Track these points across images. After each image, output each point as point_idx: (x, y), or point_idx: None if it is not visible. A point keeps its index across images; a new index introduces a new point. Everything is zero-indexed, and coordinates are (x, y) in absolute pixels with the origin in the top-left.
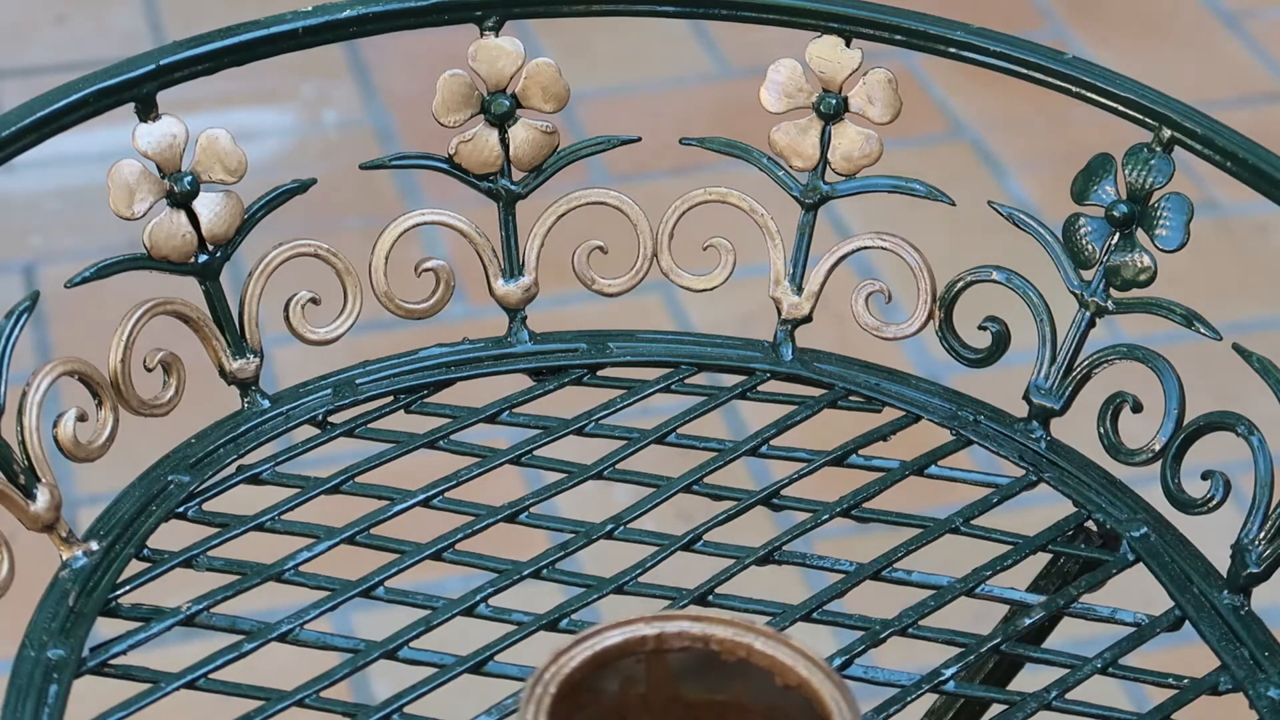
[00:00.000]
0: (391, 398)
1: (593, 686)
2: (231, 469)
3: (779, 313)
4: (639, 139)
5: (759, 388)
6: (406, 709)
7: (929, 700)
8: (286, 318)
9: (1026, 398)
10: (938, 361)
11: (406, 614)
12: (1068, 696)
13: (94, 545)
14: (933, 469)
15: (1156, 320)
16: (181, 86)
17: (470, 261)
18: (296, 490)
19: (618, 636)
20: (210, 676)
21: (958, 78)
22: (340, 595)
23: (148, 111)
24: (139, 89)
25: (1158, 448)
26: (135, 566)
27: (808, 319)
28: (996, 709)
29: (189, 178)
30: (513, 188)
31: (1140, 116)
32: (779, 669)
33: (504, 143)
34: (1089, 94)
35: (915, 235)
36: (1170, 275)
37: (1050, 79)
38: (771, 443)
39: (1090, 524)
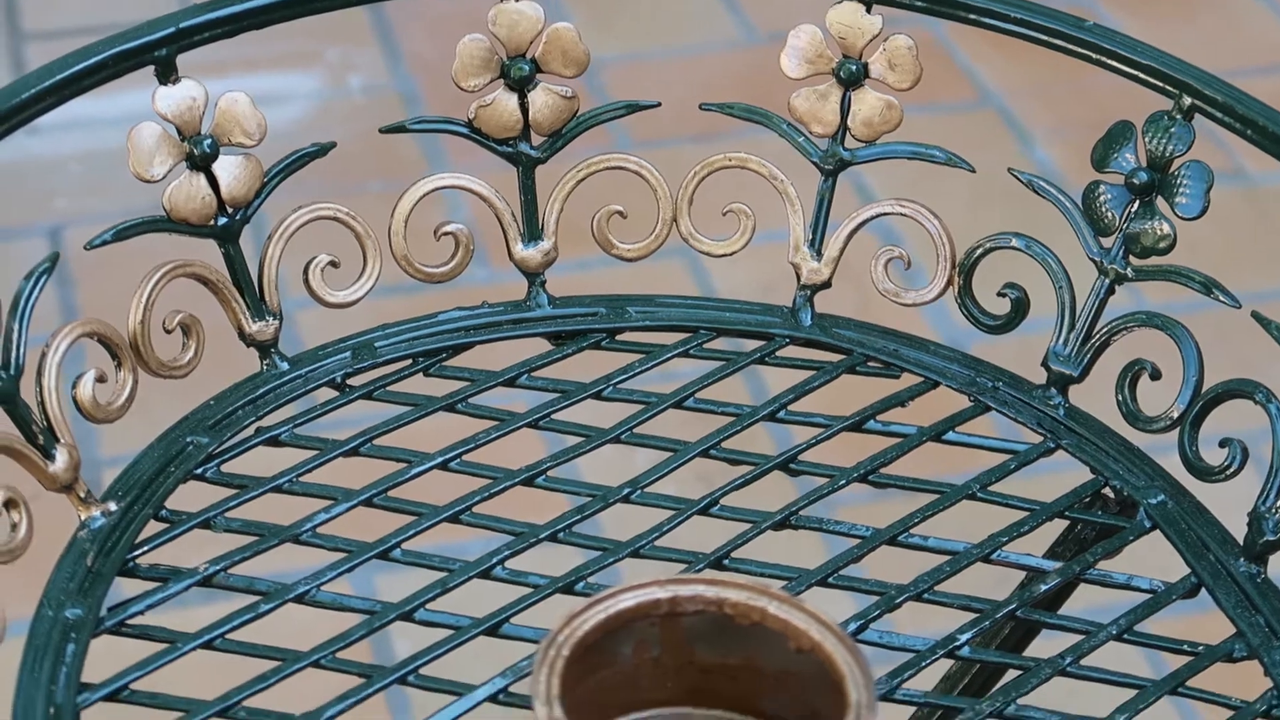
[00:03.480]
0: (410, 361)
1: (606, 649)
2: (250, 431)
3: (798, 278)
4: (658, 104)
5: (777, 353)
6: (422, 670)
7: (944, 666)
8: (306, 280)
9: (1045, 364)
10: (961, 330)
11: (425, 576)
12: (1083, 662)
13: (112, 506)
14: (950, 435)
15: (1182, 291)
16: (206, 50)
17: (493, 227)
18: (315, 452)
19: (632, 600)
20: (227, 637)
21: (984, 46)
22: (357, 557)
23: (167, 74)
24: (158, 52)
25: (1176, 415)
26: (153, 527)
27: (827, 284)
28: (1012, 674)
29: (208, 141)
30: (532, 152)
31: (1160, 84)
32: (793, 633)
33: (523, 107)
34: (1109, 61)
35: (940, 203)
36: (1195, 244)
37: (1070, 46)
38: (789, 408)
39: (1108, 491)
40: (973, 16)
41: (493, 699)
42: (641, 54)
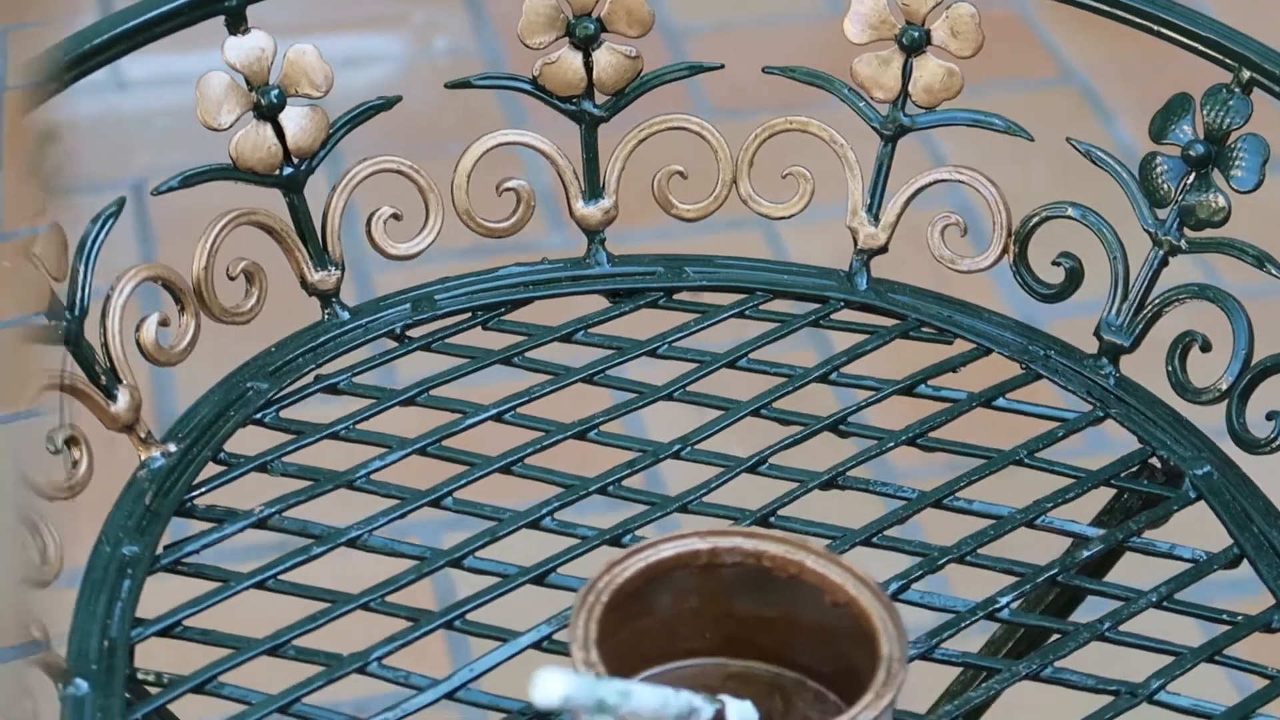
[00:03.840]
0: (469, 314)
1: (646, 598)
2: (309, 378)
3: (855, 243)
4: (721, 66)
5: (832, 316)
6: (469, 616)
7: (988, 631)
8: (368, 232)
9: (1097, 334)
10: (1032, 301)
11: (477, 525)
12: (1122, 629)
13: (172, 447)
14: (1000, 401)
15: (1252, 271)
16: (294, 11)
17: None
18: (372, 401)
19: (672, 550)
20: (280, 578)
21: (1069, 23)
22: (409, 504)
23: (237, 25)
24: (228, 2)
25: (1224, 387)
26: (212, 469)
27: (883, 249)
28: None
29: (275, 91)
30: (595, 110)
31: (1220, 56)
32: (829, 587)
33: (588, 66)
34: (1169, 32)
35: (1017, 178)
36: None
37: (1131, 16)
38: (842, 370)
39: (1154, 461)
40: None
41: (537, 645)
42: (724, 23)
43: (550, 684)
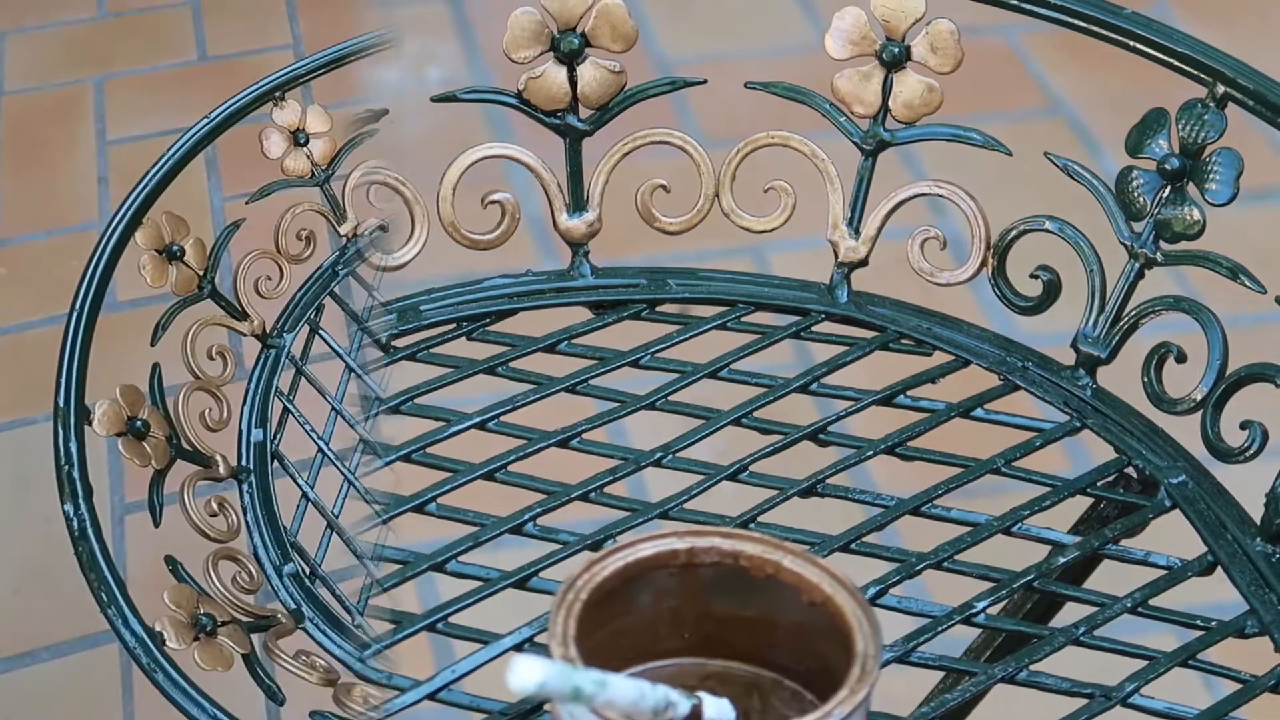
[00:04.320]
0: (454, 325)
1: (625, 597)
2: None
3: (835, 256)
4: (704, 81)
5: (813, 328)
6: (451, 619)
7: (969, 639)
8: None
9: (1074, 345)
10: (1013, 315)
11: (460, 530)
12: (1097, 633)
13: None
14: (978, 412)
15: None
16: None
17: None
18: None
19: (650, 549)
20: None
21: (1057, 55)
22: (393, 509)
23: None
24: None
25: (1199, 397)
26: None
27: (864, 263)
28: None
29: None
30: (579, 124)
31: (1195, 71)
32: (806, 586)
33: (572, 81)
34: (1145, 49)
35: (1006, 205)
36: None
37: (1108, 32)
38: (822, 381)
39: (1130, 470)
40: (1014, 1)
41: (518, 648)
42: (718, 54)
43: (527, 669)
